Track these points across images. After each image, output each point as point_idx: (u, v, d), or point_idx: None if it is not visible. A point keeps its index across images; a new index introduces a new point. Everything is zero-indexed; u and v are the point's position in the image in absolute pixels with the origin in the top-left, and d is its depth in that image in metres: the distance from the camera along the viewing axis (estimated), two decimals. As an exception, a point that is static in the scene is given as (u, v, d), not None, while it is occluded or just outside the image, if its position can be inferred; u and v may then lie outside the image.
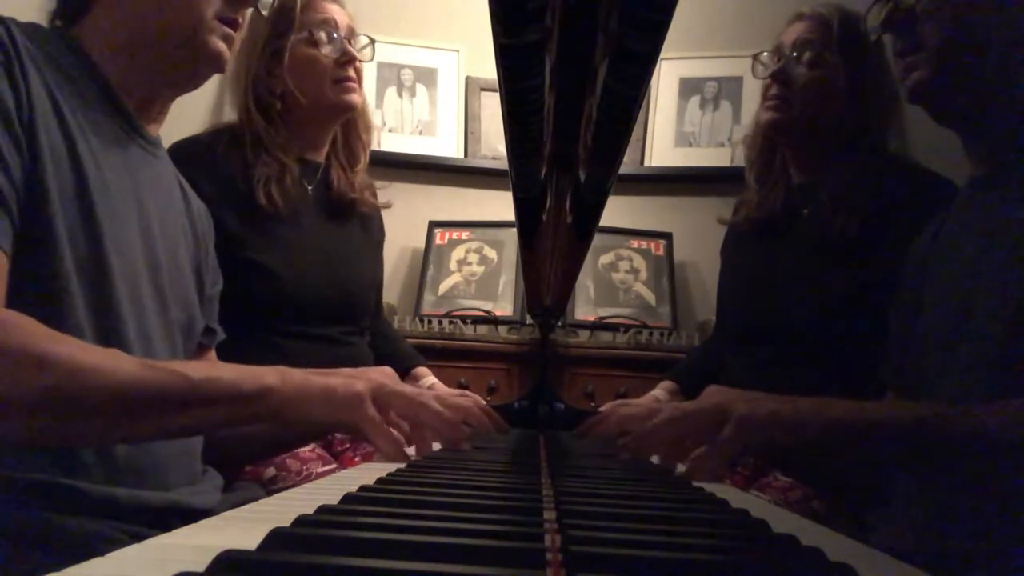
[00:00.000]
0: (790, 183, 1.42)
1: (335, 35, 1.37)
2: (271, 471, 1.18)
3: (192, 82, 0.89)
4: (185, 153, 1.29)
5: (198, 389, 0.68)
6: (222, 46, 0.86)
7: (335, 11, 1.40)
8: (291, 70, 1.35)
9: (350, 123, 1.48)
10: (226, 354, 1.09)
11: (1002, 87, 0.78)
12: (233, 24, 0.87)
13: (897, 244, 1.02)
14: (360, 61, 1.42)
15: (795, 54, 1.33)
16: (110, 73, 0.82)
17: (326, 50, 1.36)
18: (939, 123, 0.86)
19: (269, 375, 0.74)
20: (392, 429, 0.83)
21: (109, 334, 0.75)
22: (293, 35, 1.35)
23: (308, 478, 1.18)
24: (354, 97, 1.39)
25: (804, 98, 1.31)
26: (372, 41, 1.46)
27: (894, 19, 0.84)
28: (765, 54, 1.40)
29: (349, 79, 1.38)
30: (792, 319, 1.32)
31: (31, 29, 0.78)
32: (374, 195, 1.55)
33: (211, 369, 0.76)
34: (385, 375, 0.93)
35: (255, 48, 1.35)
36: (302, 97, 1.35)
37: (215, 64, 0.87)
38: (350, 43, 1.40)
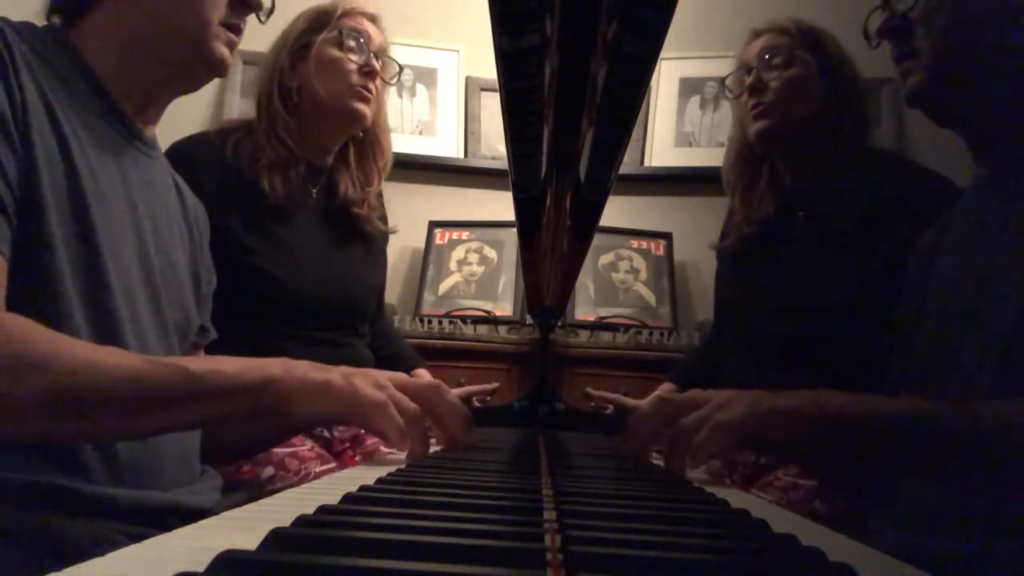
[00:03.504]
0: (781, 189, 1.44)
1: (364, 45, 1.40)
2: (270, 470, 1.18)
3: (192, 86, 0.90)
4: (192, 150, 1.33)
5: (200, 382, 0.67)
6: (226, 52, 0.87)
7: (371, 27, 1.44)
8: (315, 66, 1.38)
9: (365, 144, 1.49)
10: (224, 353, 1.09)
11: (1001, 88, 0.78)
12: (236, 30, 0.88)
13: (897, 240, 1.03)
14: (382, 79, 1.45)
15: (767, 57, 1.38)
16: (106, 75, 0.82)
17: (353, 56, 1.39)
18: (940, 126, 0.86)
19: (272, 366, 0.73)
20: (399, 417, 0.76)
21: (105, 336, 0.75)
22: (324, 33, 1.38)
23: (307, 477, 1.18)
24: (363, 108, 1.40)
25: (786, 98, 1.36)
26: (401, 69, 1.52)
27: (890, 26, 0.84)
28: (730, 77, 1.46)
29: (366, 89, 1.40)
30: (794, 320, 1.33)
31: (24, 29, 0.78)
32: (384, 220, 1.57)
33: (213, 362, 0.74)
34: (389, 376, 0.86)
35: (286, 41, 1.40)
36: (321, 88, 1.37)
37: (218, 69, 0.88)
38: (377, 59, 1.42)
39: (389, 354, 1.58)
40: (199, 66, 0.87)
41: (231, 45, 0.88)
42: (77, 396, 0.62)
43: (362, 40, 1.40)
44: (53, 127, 0.73)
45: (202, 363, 0.71)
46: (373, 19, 1.46)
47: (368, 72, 1.40)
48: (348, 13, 1.42)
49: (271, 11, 0.95)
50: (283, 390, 0.71)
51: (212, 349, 1.07)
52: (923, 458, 0.72)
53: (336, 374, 0.75)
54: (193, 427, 0.79)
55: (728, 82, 1.48)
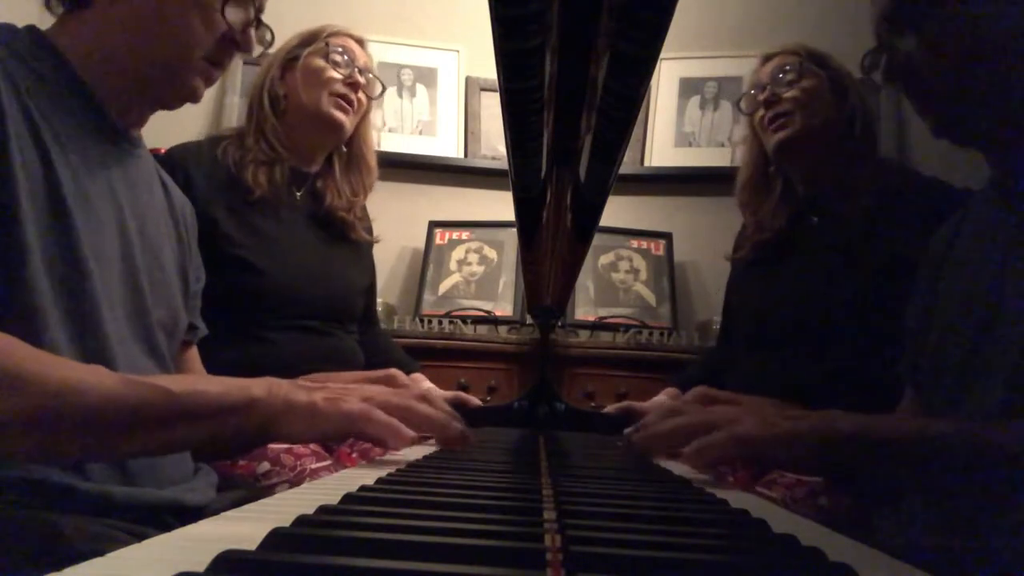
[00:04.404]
0: (795, 198, 1.48)
1: (349, 61, 1.50)
2: (265, 466, 1.19)
3: (164, 107, 0.90)
4: (184, 153, 1.42)
5: (183, 403, 0.66)
6: (200, 85, 0.88)
7: (356, 48, 1.54)
8: (301, 74, 1.48)
9: (350, 159, 1.57)
10: (211, 345, 1.11)
11: (1015, 91, 0.77)
12: (219, 65, 0.89)
13: (907, 244, 1.05)
14: (367, 95, 1.53)
15: (780, 75, 1.45)
16: (89, 76, 0.82)
17: (337, 68, 1.49)
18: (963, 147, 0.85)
19: (256, 387, 0.71)
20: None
21: (87, 341, 0.74)
22: (312, 47, 1.50)
23: (303, 474, 1.18)
24: (341, 115, 1.48)
25: (802, 107, 1.42)
26: (384, 89, 1.60)
27: (894, 71, 0.83)
28: (743, 99, 1.52)
29: (347, 99, 1.48)
30: (809, 321, 1.35)
31: (2, 31, 0.77)
32: (369, 231, 1.64)
33: (195, 382, 0.73)
34: (374, 391, 0.84)
35: (279, 55, 1.51)
36: (303, 94, 1.46)
37: (188, 99, 0.89)
38: (361, 75, 1.51)
39: (383, 363, 1.59)
40: (171, 92, 0.88)
41: (209, 79, 0.89)
42: (58, 417, 0.60)
43: (347, 56, 1.50)
44: (33, 135, 0.72)
45: (185, 384, 0.70)
46: (360, 41, 1.56)
47: (351, 84, 1.49)
48: (336, 33, 1.53)
49: (269, 45, 0.97)
50: (267, 411, 0.71)
51: (203, 342, 1.09)
52: (934, 481, 0.72)
53: (319, 395, 0.74)
54: (177, 449, 0.77)
55: (742, 104, 1.52)
